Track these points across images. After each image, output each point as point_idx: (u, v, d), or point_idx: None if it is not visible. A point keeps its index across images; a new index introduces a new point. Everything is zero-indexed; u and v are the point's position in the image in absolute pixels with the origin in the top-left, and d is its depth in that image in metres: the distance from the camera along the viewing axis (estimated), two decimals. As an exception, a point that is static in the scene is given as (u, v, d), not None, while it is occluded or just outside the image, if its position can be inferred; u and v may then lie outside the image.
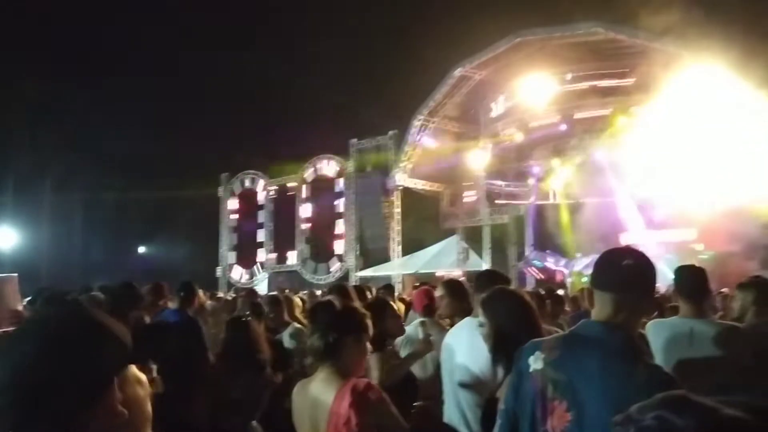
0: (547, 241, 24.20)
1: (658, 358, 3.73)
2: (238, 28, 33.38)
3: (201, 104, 33.81)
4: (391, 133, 26.40)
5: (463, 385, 3.31)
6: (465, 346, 3.34)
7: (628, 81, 20.35)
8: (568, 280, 20.17)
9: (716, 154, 17.29)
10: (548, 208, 25.67)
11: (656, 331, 3.80)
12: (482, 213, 25.28)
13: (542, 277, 22.51)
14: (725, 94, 16.75)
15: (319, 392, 2.43)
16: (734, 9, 15.07)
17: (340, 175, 28.17)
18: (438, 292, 4.23)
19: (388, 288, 9.16)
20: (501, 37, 21.79)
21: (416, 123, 25.11)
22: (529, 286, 19.76)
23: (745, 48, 15.63)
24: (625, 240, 22.19)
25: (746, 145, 16.95)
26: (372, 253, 26.84)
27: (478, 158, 25.03)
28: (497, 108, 24.70)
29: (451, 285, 4.27)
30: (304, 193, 29.37)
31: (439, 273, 23.54)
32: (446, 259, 24.92)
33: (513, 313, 2.60)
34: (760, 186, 16.17)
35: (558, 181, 25.12)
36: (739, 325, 3.77)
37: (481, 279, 3.52)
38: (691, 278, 3.77)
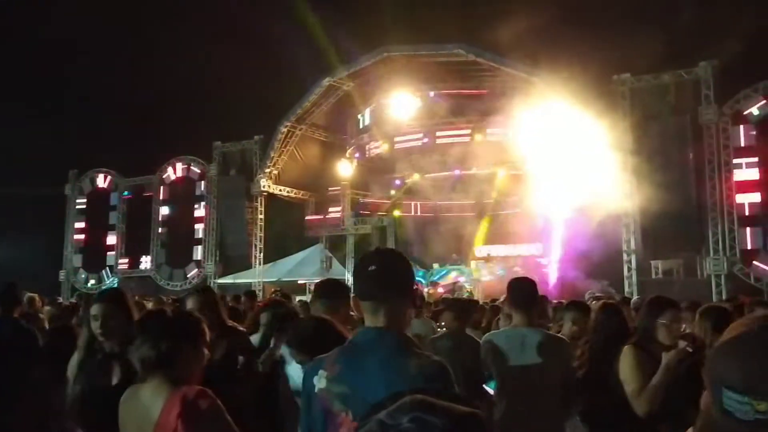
0: (408, 252, 24.89)
1: (496, 364, 3.98)
2: (98, 22, 31.23)
3: (52, 98, 31.20)
4: (257, 137, 25.96)
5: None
6: None
7: (487, 102, 21.49)
8: (426, 291, 20.82)
9: (561, 175, 18.71)
10: (409, 219, 26.54)
11: (493, 340, 4.05)
12: (346, 222, 25.52)
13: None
14: (570, 122, 18.21)
15: (148, 401, 2.31)
16: (577, 46, 16.48)
17: (201, 177, 27.21)
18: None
19: (251, 295, 9.00)
20: (370, 51, 22.26)
21: (283, 129, 24.92)
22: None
23: (585, 81, 17.20)
24: (479, 252, 23.49)
25: (587, 169, 18.51)
26: (232, 260, 26.13)
27: (344, 168, 25.30)
28: (364, 119, 25.10)
29: None
30: (161, 195, 28.04)
31: (301, 281, 23.46)
32: (309, 268, 24.83)
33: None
34: (600, 207, 17.68)
35: (419, 193, 26.08)
36: (563, 336, 4.11)
37: (321, 287, 3.58)
38: (522, 290, 4.05)
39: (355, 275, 2.04)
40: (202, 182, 27.08)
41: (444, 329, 5.42)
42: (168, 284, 26.27)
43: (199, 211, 26.99)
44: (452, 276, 22.68)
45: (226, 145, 26.70)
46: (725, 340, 1.04)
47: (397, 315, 1.95)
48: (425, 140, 23.63)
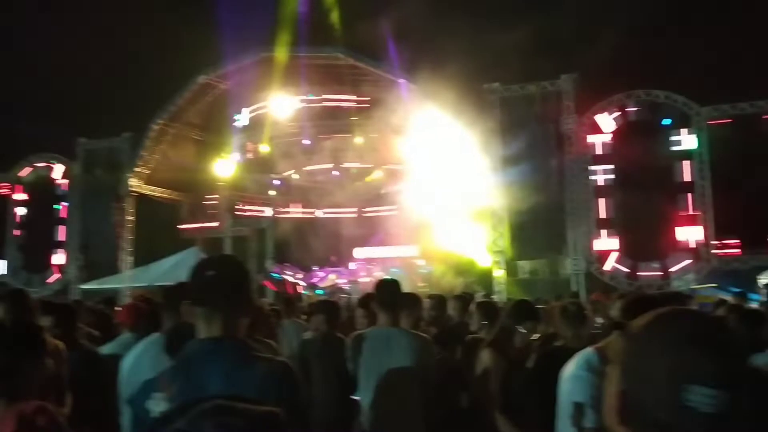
0: (287, 254, 24.66)
1: (364, 365, 4.03)
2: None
3: None
4: (126, 135, 24.62)
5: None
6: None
7: (366, 105, 21.79)
8: (304, 293, 20.75)
9: (436, 179, 19.36)
10: (288, 221, 26.29)
11: (360, 340, 4.10)
12: (224, 224, 24.85)
13: (279, 289, 22.84)
14: (444, 127, 18.90)
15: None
16: (452, 54, 17.13)
17: (64, 177, 25.41)
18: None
19: (109, 301, 8.52)
20: (248, 50, 21.85)
21: (155, 127, 23.84)
22: (270, 297, 19.95)
23: (459, 89, 17.90)
24: (357, 254, 23.75)
25: (460, 173, 19.28)
26: (98, 265, 24.57)
27: (221, 168, 24.64)
28: (242, 119, 24.58)
29: None
30: (18, 196, 25.87)
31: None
32: (184, 272, 23.64)
33: None
34: (471, 209, 18.47)
35: (299, 195, 25.95)
36: (426, 336, 4.24)
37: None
38: (387, 290, 4.14)
39: (191, 281, 1.94)
40: (65, 182, 25.29)
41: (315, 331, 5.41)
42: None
43: (61, 213, 25.19)
44: (331, 278, 22.77)
45: (91, 142, 25.09)
46: (665, 335, 1.01)
47: (234, 323, 1.90)
48: (305, 142, 23.55)
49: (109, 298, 9.41)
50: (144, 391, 1.85)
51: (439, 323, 5.80)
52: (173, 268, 24.37)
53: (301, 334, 5.90)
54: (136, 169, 24.17)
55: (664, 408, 0.96)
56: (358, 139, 22.38)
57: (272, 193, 26.10)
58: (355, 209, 25.88)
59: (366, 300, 4.83)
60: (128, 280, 23.93)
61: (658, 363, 0.98)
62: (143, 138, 24.11)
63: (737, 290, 10.51)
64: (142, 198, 24.90)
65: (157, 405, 1.77)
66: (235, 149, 25.03)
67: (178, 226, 26.14)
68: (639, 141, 18.94)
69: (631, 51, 18.66)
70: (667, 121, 19.34)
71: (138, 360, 2.98)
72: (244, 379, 1.78)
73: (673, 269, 18.53)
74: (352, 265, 23.16)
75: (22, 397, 2.20)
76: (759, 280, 10.83)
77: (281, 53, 21.45)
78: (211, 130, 25.63)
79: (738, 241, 18.34)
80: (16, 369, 2.22)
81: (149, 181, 24.75)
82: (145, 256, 24.94)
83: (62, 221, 25.18)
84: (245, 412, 0.83)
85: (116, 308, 7.42)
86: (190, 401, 0.88)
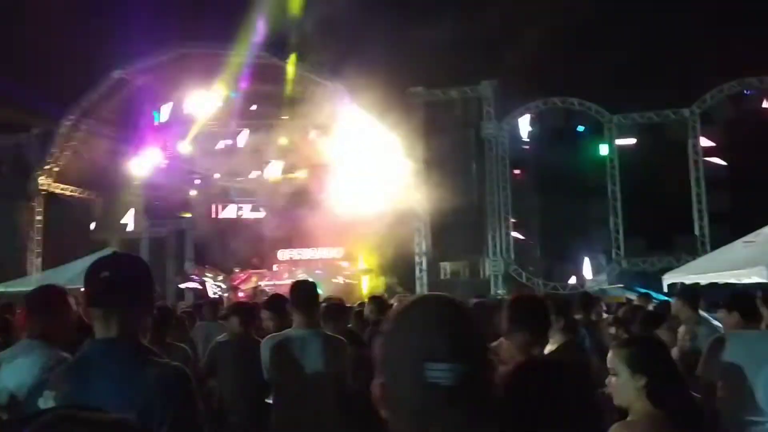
0: (207, 256, 24.07)
1: (278, 367, 3.99)
2: None
3: None
4: (35, 131, 23.38)
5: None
6: None
7: (289, 105, 21.57)
8: (225, 296, 20.31)
9: (359, 180, 19.42)
10: (209, 222, 25.62)
11: (274, 342, 4.06)
12: (140, 225, 24.01)
13: (199, 292, 22.30)
14: (368, 129, 19.00)
15: None
16: (376, 57, 17.20)
17: (-35, 174, 23.87)
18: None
19: (7, 307, 8.02)
20: (166, 45, 21.21)
21: (67, 123, 22.75)
22: (188, 300, 19.47)
23: (383, 91, 18.03)
24: (281, 256, 23.46)
25: (383, 175, 19.41)
26: (3, 267, 23.21)
27: (137, 167, 23.80)
28: (160, 117, 23.83)
29: None
30: None
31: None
32: (96, 274, 22.89)
33: None
34: (394, 211, 18.61)
35: (220, 195, 25.35)
36: (341, 338, 4.23)
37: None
38: (303, 292, 4.12)
39: (86, 281, 1.92)
40: (-34, 179, 23.76)
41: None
42: None
43: (-39, 212, 23.64)
44: (254, 280, 22.40)
45: (-3, 138, 23.71)
46: (409, 321, 1.10)
47: (130, 324, 1.87)
48: (226, 141, 23.09)
49: (8, 303, 8.85)
50: (37, 388, 1.82)
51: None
52: (84, 272, 23.33)
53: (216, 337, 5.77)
54: (46, 167, 23.01)
55: (410, 386, 1.04)
56: (282, 139, 22.13)
57: (193, 193, 25.40)
58: (278, 210, 25.53)
59: (272, 302, 4.78)
60: (37, 282, 22.68)
61: (404, 346, 1.07)
62: (53, 135, 22.97)
63: (643, 290, 11.07)
64: (52, 197, 23.72)
65: (46, 403, 1.73)
66: (152, 147, 24.23)
67: (91, 227, 25.03)
68: (555, 146, 19.68)
69: (549, 59, 19.35)
70: (581, 128, 20.20)
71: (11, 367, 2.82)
72: (135, 383, 1.74)
73: (585, 270, 19.34)
74: (275, 267, 22.86)
75: None
76: (664, 281, 11.47)
77: (200, 49, 20.96)
78: (127, 127, 24.66)
79: (645, 243, 19.31)
80: None
81: (60, 179, 23.61)
82: (55, 258, 23.75)
83: (-38, 222, 23.63)
84: (89, 420, 0.81)
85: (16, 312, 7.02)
86: (33, 413, 0.85)
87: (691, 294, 5.46)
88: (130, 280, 1.89)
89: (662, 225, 18.78)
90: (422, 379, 1.02)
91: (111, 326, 1.83)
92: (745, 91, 19.17)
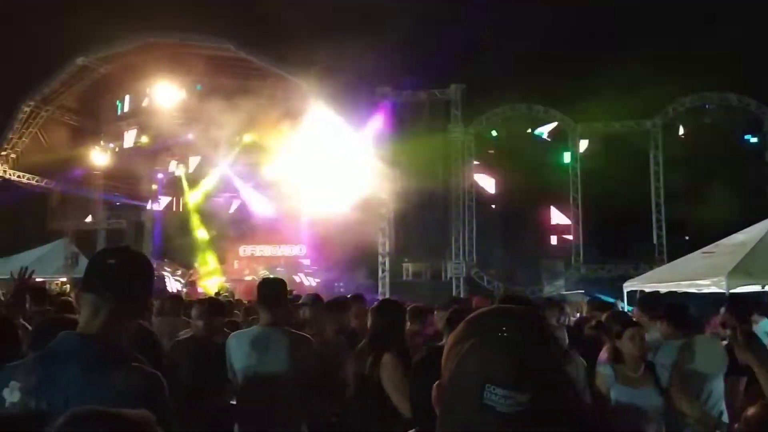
0: (168, 250, 23.67)
1: (241, 364, 3.93)
2: None
3: None
4: (-9, 115, 22.71)
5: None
6: None
7: (257, 101, 21.33)
8: (183, 290, 20.00)
9: (324, 179, 19.35)
10: (171, 215, 25.20)
11: (239, 340, 4.01)
12: (98, 216, 23.47)
13: (159, 286, 21.91)
14: (334, 129, 18.94)
15: None
16: (346, 57, 17.12)
17: None
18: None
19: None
20: (133, 34, 20.77)
21: (26, 109, 22.12)
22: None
23: (351, 92, 18.01)
24: (243, 252, 23.22)
25: (348, 175, 19.37)
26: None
27: (97, 157, 23.27)
28: (123, 106, 23.36)
29: None
30: None
31: (40, 279, 20.98)
32: (51, 265, 22.31)
33: None
34: (358, 211, 18.60)
35: (182, 188, 24.92)
36: (307, 335, 4.20)
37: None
38: (269, 290, 4.07)
39: (89, 266, 1.88)
40: None
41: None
42: None
43: None
44: (215, 276, 22.14)
45: (-50, 120, 22.92)
46: (476, 335, 1.03)
47: (117, 319, 1.83)
48: (190, 134, 22.73)
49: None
50: (4, 378, 1.73)
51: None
52: (39, 262, 22.67)
53: (178, 333, 5.67)
54: (3, 153, 22.34)
55: (465, 401, 0.99)
56: (246, 135, 21.89)
57: (153, 186, 24.92)
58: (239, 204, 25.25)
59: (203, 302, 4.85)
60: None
61: (468, 360, 1.01)
62: (11, 120, 22.31)
63: (610, 299, 11.07)
64: (6, 184, 23.02)
65: (11, 394, 1.68)
66: (114, 137, 23.72)
67: (46, 216, 24.36)
68: (520, 152, 19.92)
69: (518, 66, 19.57)
70: (543, 134, 20.52)
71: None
72: (105, 385, 1.69)
73: (545, 275, 19.61)
74: (235, 264, 22.61)
75: None
76: (624, 288, 11.70)
77: (168, 39, 20.60)
78: (89, 116, 24.11)
79: (603, 250, 19.67)
80: None
81: (15, 166, 22.93)
82: (6, 248, 23.06)
83: None
84: (118, 416, 0.79)
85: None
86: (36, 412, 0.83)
87: (649, 302, 5.59)
88: (134, 273, 1.87)
89: (621, 233, 19.18)
90: (479, 399, 0.97)
91: (98, 317, 1.79)
92: (704, 105, 19.77)
